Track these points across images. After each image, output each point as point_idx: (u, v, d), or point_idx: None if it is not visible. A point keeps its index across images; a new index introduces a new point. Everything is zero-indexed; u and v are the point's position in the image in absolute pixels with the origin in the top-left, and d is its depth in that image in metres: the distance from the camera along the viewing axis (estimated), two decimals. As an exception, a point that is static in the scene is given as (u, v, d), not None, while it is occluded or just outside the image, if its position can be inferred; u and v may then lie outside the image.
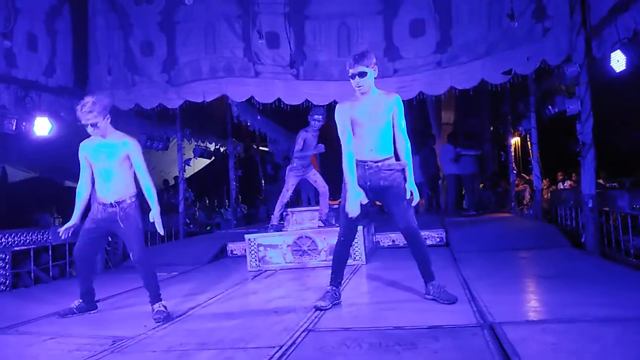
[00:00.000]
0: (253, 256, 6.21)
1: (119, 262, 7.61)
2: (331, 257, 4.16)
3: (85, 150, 4.06)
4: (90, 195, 4.19)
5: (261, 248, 6.20)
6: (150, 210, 3.97)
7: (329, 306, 3.82)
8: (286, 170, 6.92)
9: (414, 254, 3.84)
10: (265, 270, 6.06)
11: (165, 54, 7.26)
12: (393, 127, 3.77)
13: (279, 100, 7.08)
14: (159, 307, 3.95)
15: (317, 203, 7.13)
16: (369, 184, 3.78)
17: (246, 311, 3.98)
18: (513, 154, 10.51)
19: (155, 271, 4.12)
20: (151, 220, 3.97)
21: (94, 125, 3.88)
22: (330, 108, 6.87)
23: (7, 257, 5.87)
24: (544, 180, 9.14)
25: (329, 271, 4.04)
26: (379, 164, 3.76)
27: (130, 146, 4.01)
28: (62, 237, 4.12)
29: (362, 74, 3.68)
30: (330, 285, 3.96)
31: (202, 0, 6.94)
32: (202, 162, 13.07)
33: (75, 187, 4.17)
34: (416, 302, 3.81)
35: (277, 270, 6.03)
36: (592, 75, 6.16)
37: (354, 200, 3.68)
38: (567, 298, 3.61)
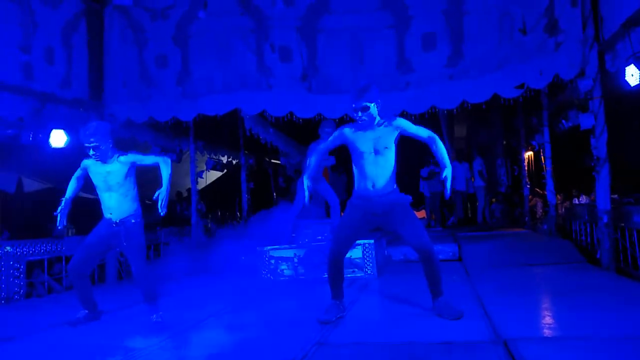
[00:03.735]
0: (265, 268, 6.21)
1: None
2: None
3: (88, 168, 4.14)
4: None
5: (273, 260, 6.19)
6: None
7: (334, 319, 3.80)
8: (297, 183, 6.93)
9: (426, 272, 3.80)
10: (277, 283, 6.04)
11: (180, 67, 7.34)
12: (415, 137, 3.75)
13: (291, 113, 7.12)
14: (157, 318, 4.02)
15: (329, 216, 7.13)
16: (370, 209, 3.78)
17: (258, 323, 3.96)
18: (526, 168, 10.43)
19: (155, 284, 4.16)
20: (155, 198, 3.94)
21: (95, 149, 3.96)
22: (342, 121, 6.89)
23: (22, 267, 5.93)
24: (558, 195, 9.04)
25: None
26: (382, 198, 3.75)
27: (128, 158, 4.08)
28: (59, 226, 4.12)
29: (365, 109, 3.69)
30: (333, 299, 3.96)
31: (215, 15, 7.03)
32: (215, 175, 13.11)
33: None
34: (429, 317, 3.77)
35: (288, 282, 6.02)
36: (606, 90, 6.12)
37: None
38: (583, 315, 3.56)
